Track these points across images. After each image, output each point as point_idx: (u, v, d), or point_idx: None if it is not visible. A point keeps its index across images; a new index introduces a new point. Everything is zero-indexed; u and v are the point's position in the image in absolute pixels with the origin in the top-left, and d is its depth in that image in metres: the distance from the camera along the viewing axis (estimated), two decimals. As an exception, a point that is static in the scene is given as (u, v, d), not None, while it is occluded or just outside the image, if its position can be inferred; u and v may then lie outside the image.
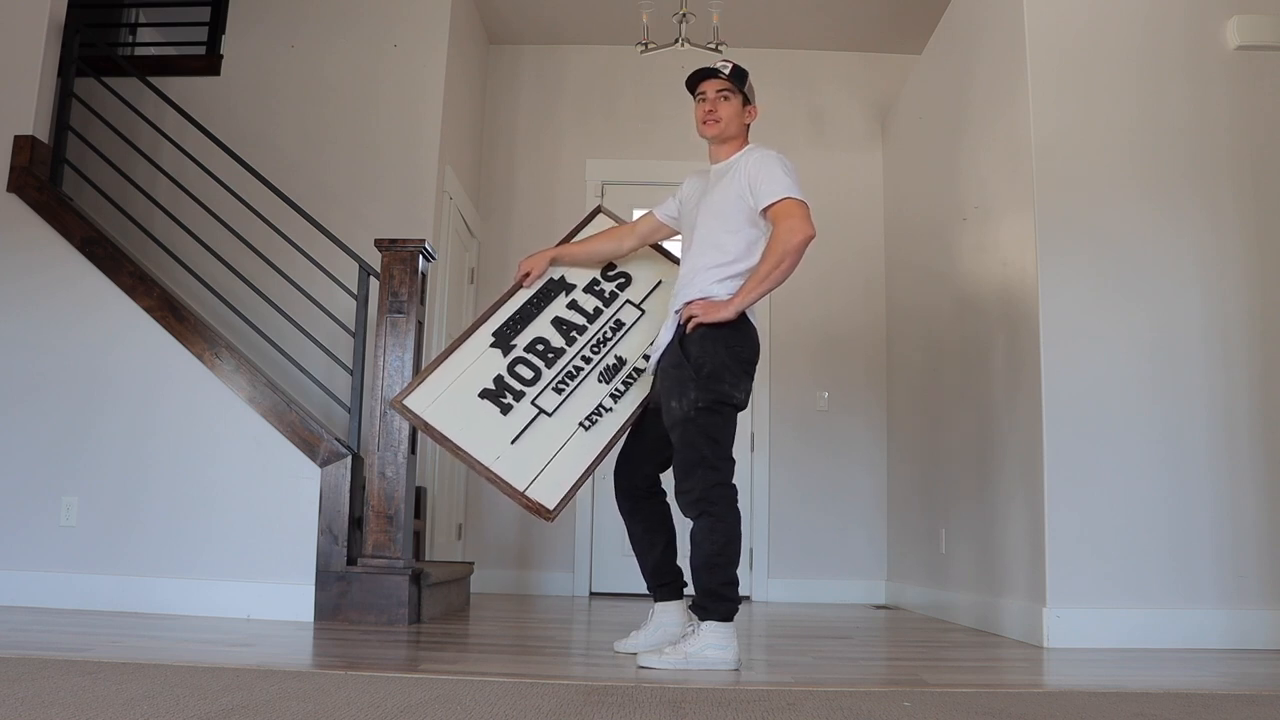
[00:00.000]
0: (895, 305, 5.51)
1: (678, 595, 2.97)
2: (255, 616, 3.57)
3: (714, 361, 2.72)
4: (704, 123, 2.94)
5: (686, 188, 3.08)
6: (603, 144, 5.86)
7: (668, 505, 3.00)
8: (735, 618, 2.70)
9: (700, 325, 2.74)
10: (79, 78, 4.28)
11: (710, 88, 2.94)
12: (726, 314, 2.72)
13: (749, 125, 2.98)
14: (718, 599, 2.66)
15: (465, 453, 2.84)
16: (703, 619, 2.67)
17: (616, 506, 3.05)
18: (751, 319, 2.81)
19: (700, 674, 2.52)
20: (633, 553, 3.05)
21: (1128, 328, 3.52)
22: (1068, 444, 3.44)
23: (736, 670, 2.61)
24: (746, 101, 2.96)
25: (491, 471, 2.82)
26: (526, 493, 2.81)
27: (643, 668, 2.60)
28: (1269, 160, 3.61)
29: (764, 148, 2.90)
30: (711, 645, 2.62)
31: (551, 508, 2.81)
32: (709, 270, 2.82)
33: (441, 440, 2.87)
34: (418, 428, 2.98)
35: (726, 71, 2.93)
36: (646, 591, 3.02)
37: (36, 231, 3.90)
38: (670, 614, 2.95)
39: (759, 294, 2.74)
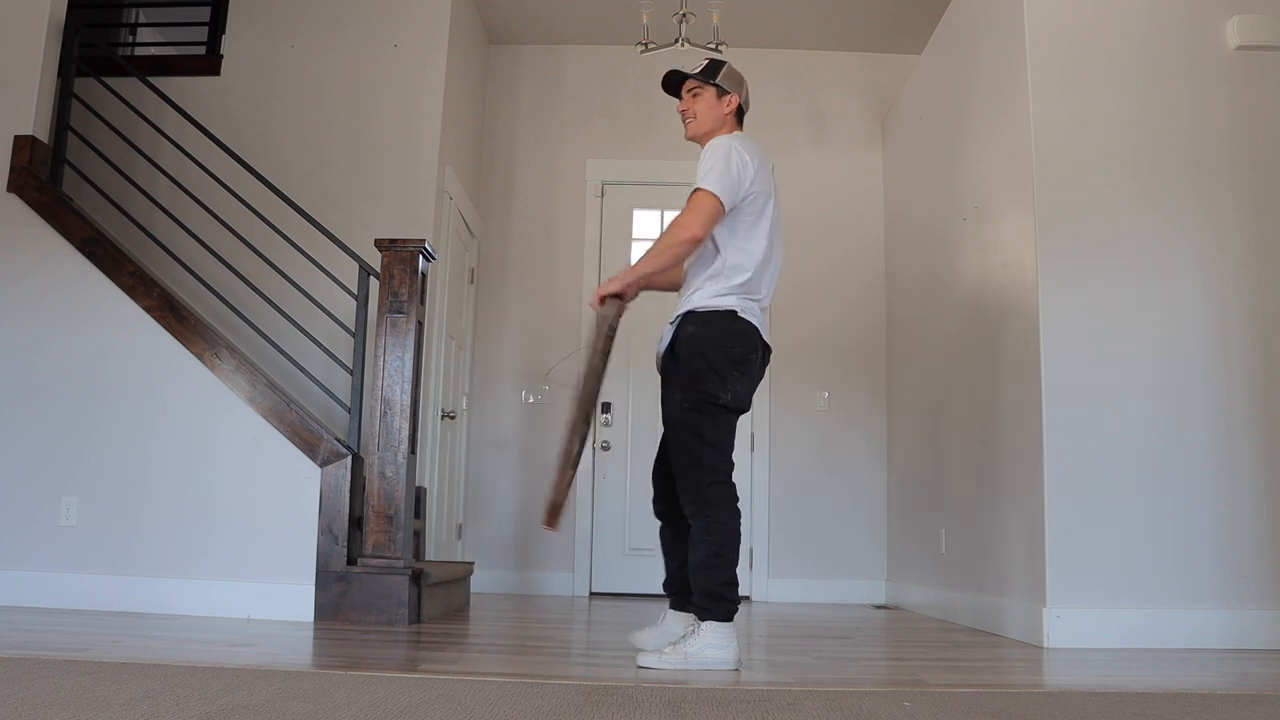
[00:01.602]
0: (895, 305, 5.51)
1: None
2: (255, 616, 3.57)
3: (698, 362, 2.73)
4: (684, 124, 2.97)
5: None
6: (602, 144, 5.86)
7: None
8: (735, 618, 2.70)
9: (607, 300, 2.78)
10: (79, 78, 4.28)
11: (682, 88, 2.96)
12: (616, 287, 2.77)
13: (730, 114, 2.93)
14: (717, 599, 2.66)
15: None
16: (702, 619, 2.66)
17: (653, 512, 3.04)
18: (747, 316, 2.77)
19: (700, 674, 2.52)
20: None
21: (1128, 327, 3.52)
22: (1068, 443, 3.44)
23: (736, 670, 2.61)
24: (723, 92, 2.92)
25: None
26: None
27: (642, 668, 2.60)
28: (1269, 160, 3.61)
29: (725, 136, 2.86)
30: (711, 645, 2.62)
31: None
32: (695, 272, 2.84)
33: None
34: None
35: (693, 70, 2.93)
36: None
37: (36, 231, 3.90)
38: (682, 623, 2.92)
39: (640, 274, 2.77)
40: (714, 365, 2.72)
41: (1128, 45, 3.67)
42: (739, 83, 2.95)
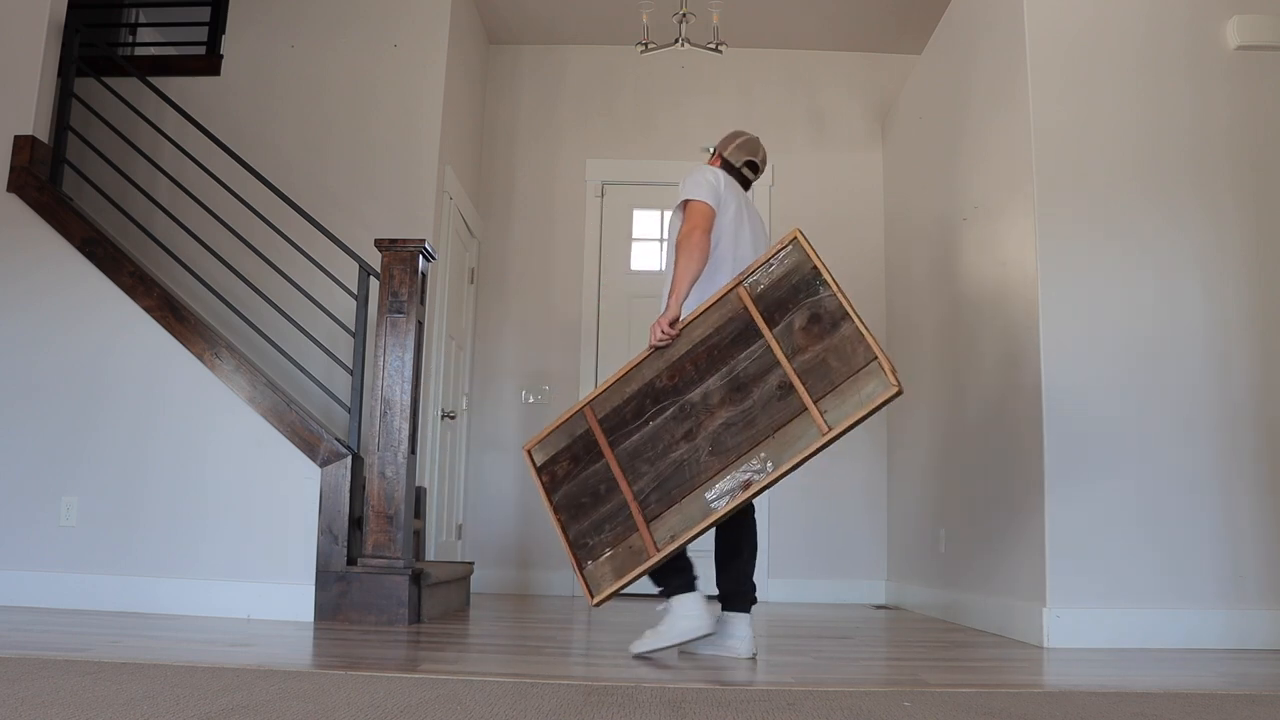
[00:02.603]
0: (895, 305, 5.50)
1: (744, 608, 2.97)
2: (255, 616, 3.57)
3: None
4: None
5: None
6: (602, 144, 5.86)
7: (753, 520, 3.05)
8: (698, 586, 2.89)
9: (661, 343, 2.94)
10: (79, 78, 4.28)
11: None
12: (668, 318, 2.91)
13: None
14: (673, 572, 2.86)
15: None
16: (667, 595, 2.87)
17: None
18: None
19: (699, 672, 2.52)
20: None
21: (1128, 327, 3.52)
22: (1067, 443, 3.44)
23: (710, 634, 2.82)
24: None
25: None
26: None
27: (635, 655, 2.82)
28: (1269, 160, 3.61)
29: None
30: (682, 617, 2.81)
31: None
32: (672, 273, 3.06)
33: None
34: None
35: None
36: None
37: (36, 231, 3.90)
38: (737, 625, 2.94)
39: (681, 295, 2.93)
40: None
41: (1128, 45, 3.67)
42: (727, 153, 3.30)
